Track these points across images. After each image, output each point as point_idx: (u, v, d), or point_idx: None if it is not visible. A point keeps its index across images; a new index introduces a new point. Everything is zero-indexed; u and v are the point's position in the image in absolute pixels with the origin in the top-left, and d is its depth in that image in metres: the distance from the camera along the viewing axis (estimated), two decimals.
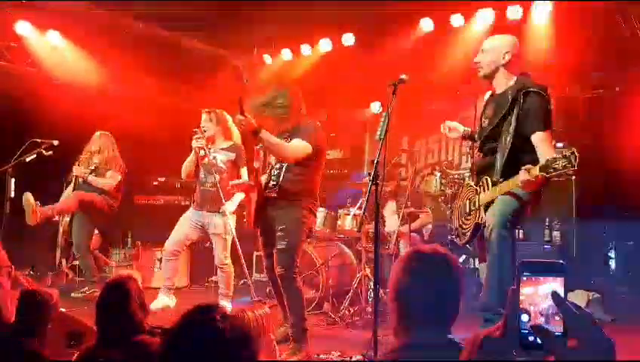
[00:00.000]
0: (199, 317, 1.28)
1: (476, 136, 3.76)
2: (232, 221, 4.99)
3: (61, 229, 6.48)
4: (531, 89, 3.33)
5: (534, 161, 3.17)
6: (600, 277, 5.98)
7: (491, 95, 3.65)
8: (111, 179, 5.84)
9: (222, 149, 5.10)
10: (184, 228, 5.08)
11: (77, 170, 5.80)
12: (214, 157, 4.99)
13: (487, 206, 3.42)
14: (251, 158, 4.29)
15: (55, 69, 7.02)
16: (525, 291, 0.91)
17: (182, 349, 1.25)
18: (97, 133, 5.99)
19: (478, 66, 3.58)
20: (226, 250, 5.05)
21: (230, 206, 4.95)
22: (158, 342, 2.05)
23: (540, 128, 3.27)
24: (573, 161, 2.85)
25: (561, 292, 0.89)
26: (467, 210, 3.63)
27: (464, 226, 3.64)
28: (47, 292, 2.37)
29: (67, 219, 6.02)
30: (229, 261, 5.06)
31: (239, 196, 5.04)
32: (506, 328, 0.91)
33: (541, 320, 0.89)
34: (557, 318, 0.88)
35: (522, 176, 3.11)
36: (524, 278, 0.91)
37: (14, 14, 6.49)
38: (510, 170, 3.28)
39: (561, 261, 0.94)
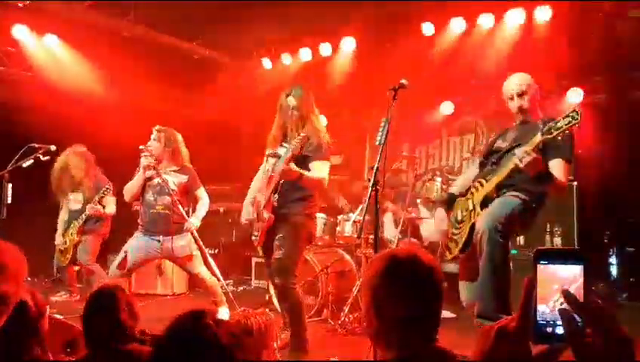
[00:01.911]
0: (190, 323, 1.25)
1: (482, 157, 3.73)
2: (189, 238, 4.85)
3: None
4: (560, 121, 3.33)
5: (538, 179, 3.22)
6: (601, 283, 5.95)
7: (515, 124, 3.65)
8: (107, 208, 5.80)
9: (173, 171, 4.87)
10: (136, 255, 4.69)
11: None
12: (164, 179, 4.74)
13: (482, 205, 3.37)
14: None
15: (52, 73, 6.99)
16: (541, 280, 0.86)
17: (173, 355, 1.22)
18: (66, 151, 5.84)
19: (522, 110, 3.53)
20: (201, 265, 4.88)
21: (195, 221, 4.82)
22: (145, 350, 2.02)
23: (564, 156, 3.30)
24: (576, 116, 2.90)
25: (581, 282, 0.84)
26: (459, 218, 3.55)
27: (455, 236, 3.55)
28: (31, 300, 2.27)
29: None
30: (208, 273, 4.90)
31: (202, 211, 4.93)
32: (522, 319, 0.87)
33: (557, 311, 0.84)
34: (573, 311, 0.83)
35: (519, 153, 3.10)
36: (541, 267, 0.87)
37: (11, 18, 6.47)
38: (512, 179, 3.27)
39: (578, 248, 0.90)
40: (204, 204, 5.00)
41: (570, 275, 0.85)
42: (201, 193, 5.01)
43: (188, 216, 4.86)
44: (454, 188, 3.80)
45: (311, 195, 3.90)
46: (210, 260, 4.95)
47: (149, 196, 4.78)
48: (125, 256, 4.57)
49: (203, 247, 4.92)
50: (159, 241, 4.72)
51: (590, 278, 0.84)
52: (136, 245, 4.73)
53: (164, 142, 4.82)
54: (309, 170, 3.77)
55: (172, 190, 4.72)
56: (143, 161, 4.65)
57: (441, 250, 3.74)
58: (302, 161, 3.76)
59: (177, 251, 4.76)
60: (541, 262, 0.87)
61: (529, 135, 3.36)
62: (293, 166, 3.60)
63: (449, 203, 3.70)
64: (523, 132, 3.49)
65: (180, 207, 4.69)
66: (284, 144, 3.88)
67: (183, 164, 4.93)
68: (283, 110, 3.92)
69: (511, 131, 3.63)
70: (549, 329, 0.85)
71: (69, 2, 6.31)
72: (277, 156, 3.84)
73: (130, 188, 4.78)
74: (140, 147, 4.68)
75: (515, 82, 3.55)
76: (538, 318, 0.85)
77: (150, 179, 4.76)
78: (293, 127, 3.85)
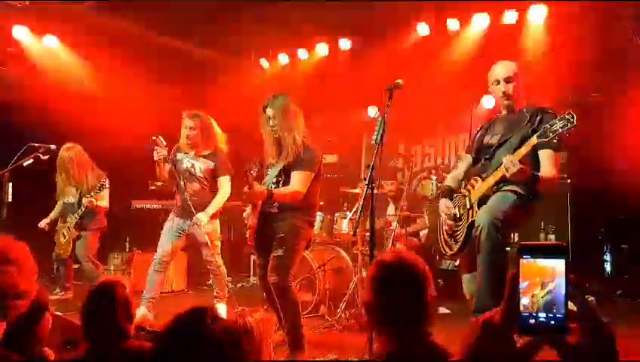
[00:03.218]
0: (191, 320, 1.28)
1: (472, 152, 3.72)
2: (217, 226, 4.94)
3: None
4: (549, 111, 3.36)
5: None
6: (595, 279, 5.99)
7: (498, 116, 3.65)
8: (99, 203, 5.71)
9: (202, 157, 4.86)
10: (172, 238, 4.83)
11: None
12: (192, 165, 4.82)
13: (480, 204, 3.39)
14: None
15: (52, 73, 7.02)
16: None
17: (173, 351, 1.25)
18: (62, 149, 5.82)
19: (506, 95, 3.52)
20: (218, 255, 4.92)
21: (203, 216, 4.71)
22: (147, 346, 2.05)
23: (553, 146, 3.30)
24: (572, 119, 2.93)
25: (563, 275, 0.88)
26: (457, 216, 3.57)
27: (455, 233, 3.56)
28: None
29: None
30: (221, 263, 4.93)
31: (214, 206, 4.81)
32: (506, 312, 0.90)
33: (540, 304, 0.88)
34: (555, 304, 0.87)
35: (506, 161, 3.12)
36: (524, 261, 0.90)
37: (11, 19, 6.50)
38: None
39: (562, 242, 0.93)
40: (217, 199, 4.86)
41: (553, 269, 0.89)
42: (222, 181, 4.89)
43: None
44: (450, 182, 3.80)
45: (311, 202, 3.89)
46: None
47: (182, 181, 4.84)
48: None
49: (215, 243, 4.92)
50: (188, 224, 4.80)
51: (570, 272, 0.88)
52: (169, 229, 4.84)
53: (202, 128, 4.81)
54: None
55: (199, 177, 4.80)
56: (155, 156, 4.63)
57: (438, 247, 3.75)
58: (287, 171, 3.78)
59: (201, 234, 4.78)
60: (524, 256, 0.90)
61: (517, 127, 3.40)
62: (257, 187, 3.62)
63: (449, 194, 3.71)
64: (510, 123, 3.50)
65: (206, 194, 4.77)
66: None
67: (215, 148, 4.89)
68: (263, 122, 3.88)
69: (498, 123, 3.62)
70: (532, 321, 0.88)
71: (69, 3, 6.33)
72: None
73: (158, 174, 4.85)
74: (153, 138, 4.65)
75: (503, 67, 3.56)
76: (522, 311, 0.89)
77: (179, 164, 4.81)
78: (272, 139, 3.83)
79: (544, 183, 3.33)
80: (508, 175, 3.17)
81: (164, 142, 4.68)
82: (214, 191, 4.88)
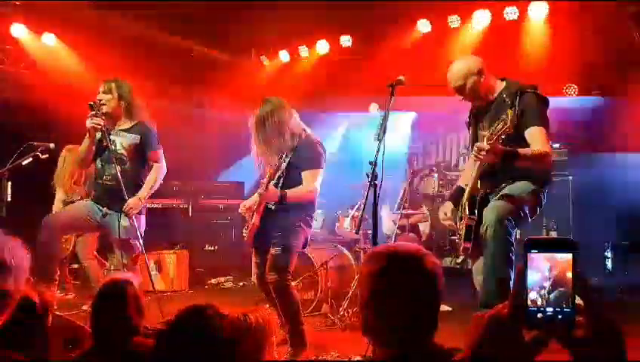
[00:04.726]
0: (192, 318, 1.27)
1: (469, 150, 3.72)
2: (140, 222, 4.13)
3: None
4: (527, 90, 3.33)
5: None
6: (597, 276, 5.99)
7: (483, 105, 3.58)
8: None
9: (123, 130, 4.09)
10: (78, 212, 4.08)
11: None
12: (113, 142, 3.98)
13: (470, 204, 3.41)
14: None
15: (51, 71, 6.99)
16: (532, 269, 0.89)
17: (174, 349, 1.25)
18: (65, 150, 5.83)
19: (466, 100, 3.54)
20: (137, 263, 4.13)
21: (135, 201, 3.96)
22: (151, 343, 2.04)
23: (535, 123, 3.26)
24: (507, 120, 2.91)
25: (570, 270, 0.88)
26: (459, 215, 3.56)
27: (459, 231, 3.56)
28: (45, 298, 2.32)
29: None
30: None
31: (147, 187, 4.08)
32: (513, 306, 0.90)
33: (545, 296, 0.88)
34: (563, 299, 0.87)
35: (476, 146, 3.10)
36: (532, 256, 0.90)
37: (10, 16, 6.48)
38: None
39: (570, 237, 0.93)
40: (151, 177, 4.12)
41: (560, 263, 0.88)
42: (157, 156, 4.15)
43: (135, 192, 4.04)
44: (461, 181, 3.77)
45: (310, 202, 3.88)
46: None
47: (98, 164, 4.10)
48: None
49: (141, 243, 4.19)
50: (102, 212, 4.04)
51: (579, 266, 0.87)
52: (83, 205, 4.17)
53: (119, 93, 4.05)
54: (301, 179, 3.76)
55: (120, 155, 4.00)
56: (88, 123, 3.90)
57: (440, 245, 3.74)
58: (295, 172, 3.75)
59: (121, 232, 3.99)
60: (532, 250, 0.90)
61: (500, 113, 3.26)
62: (271, 187, 3.63)
63: (457, 196, 3.68)
64: (497, 112, 3.35)
65: (120, 182, 3.91)
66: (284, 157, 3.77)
67: (138, 120, 4.11)
68: (253, 127, 3.82)
69: (485, 115, 3.53)
70: (540, 316, 0.88)
71: (68, 1, 6.31)
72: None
73: (79, 154, 4.24)
74: (90, 103, 3.94)
75: (449, 80, 3.50)
76: (529, 305, 0.88)
77: (99, 143, 4.01)
78: (270, 142, 3.75)
79: (537, 160, 3.25)
80: (481, 158, 3.11)
81: (103, 110, 3.95)
82: (136, 173, 4.12)
